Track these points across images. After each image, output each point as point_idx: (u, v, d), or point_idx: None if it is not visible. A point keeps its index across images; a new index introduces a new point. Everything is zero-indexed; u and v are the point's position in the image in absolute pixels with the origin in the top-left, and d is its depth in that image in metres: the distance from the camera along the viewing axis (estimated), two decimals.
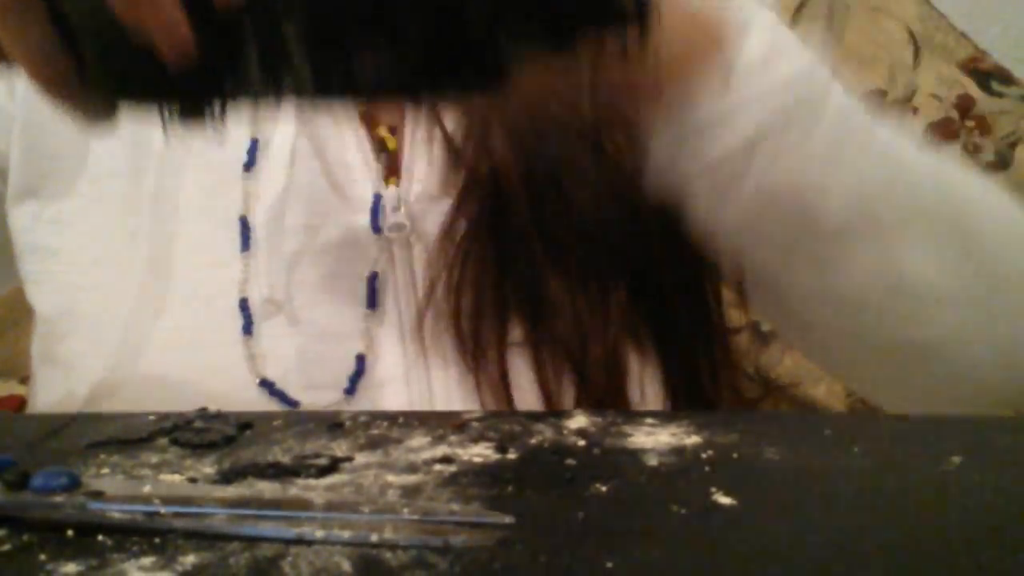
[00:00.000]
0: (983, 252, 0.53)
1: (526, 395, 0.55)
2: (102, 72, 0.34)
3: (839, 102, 0.50)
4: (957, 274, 0.52)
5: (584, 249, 0.57)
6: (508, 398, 0.55)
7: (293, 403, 0.55)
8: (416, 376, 0.56)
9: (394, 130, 0.62)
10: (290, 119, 0.60)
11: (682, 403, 0.59)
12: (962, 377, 0.54)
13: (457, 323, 0.56)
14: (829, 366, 0.63)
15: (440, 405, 0.55)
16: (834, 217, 0.50)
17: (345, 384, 0.56)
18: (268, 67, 0.34)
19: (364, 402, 0.55)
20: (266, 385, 0.55)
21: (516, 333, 0.56)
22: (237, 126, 0.61)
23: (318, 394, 0.55)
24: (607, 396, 0.56)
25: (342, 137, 0.61)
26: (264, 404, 0.55)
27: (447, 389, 0.56)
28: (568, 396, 0.55)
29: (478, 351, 0.55)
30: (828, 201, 0.49)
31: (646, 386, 0.58)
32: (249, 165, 0.59)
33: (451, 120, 0.61)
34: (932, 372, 0.55)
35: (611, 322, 0.57)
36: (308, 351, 0.56)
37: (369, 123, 0.62)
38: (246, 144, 0.60)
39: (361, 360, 0.56)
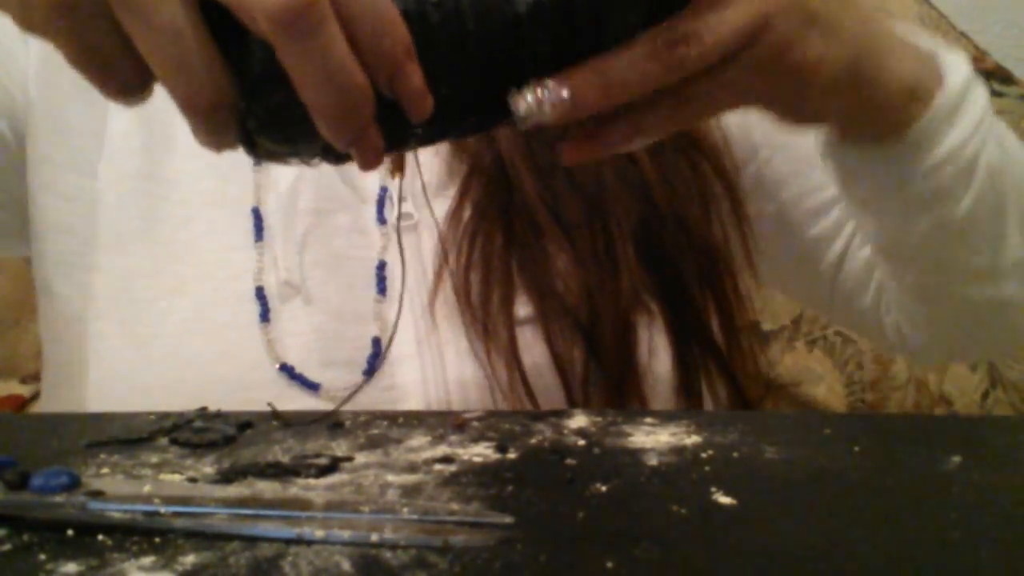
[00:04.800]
0: None
1: (538, 366, 0.56)
2: (267, 125, 0.35)
3: (988, 104, 0.53)
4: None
5: (592, 222, 0.58)
6: (519, 368, 0.55)
7: (313, 385, 0.55)
8: (429, 353, 0.57)
9: None
10: None
11: (693, 364, 0.59)
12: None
13: (467, 298, 0.57)
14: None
15: (453, 379, 0.56)
16: (964, 209, 0.52)
17: (363, 366, 0.56)
18: (434, 131, 0.36)
19: (381, 381, 0.56)
20: (286, 369, 0.56)
21: (526, 308, 0.57)
22: None
23: (336, 372, 0.56)
24: (618, 363, 0.57)
25: None
26: (283, 388, 0.55)
27: (459, 363, 0.57)
28: (579, 365, 0.56)
29: (488, 323, 0.56)
30: (1015, 179, 0.53)
31: (656, 349, 0.58)
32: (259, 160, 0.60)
33: None
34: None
35: (622, 292, 0.57)
36: (324, 329, 0.57)
37: None
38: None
39: (377, 343, 0.57)
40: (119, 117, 0.62)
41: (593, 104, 0.36)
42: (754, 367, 0.63)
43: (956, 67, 0.50)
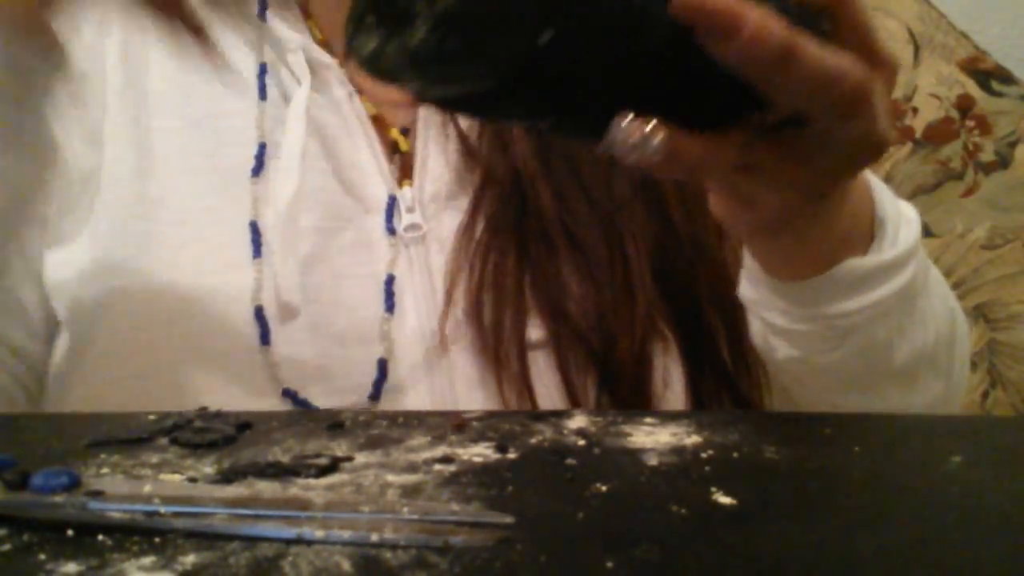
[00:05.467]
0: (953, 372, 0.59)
1: (549, 393, 0.55)
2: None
3: (923, 255, 0.53)
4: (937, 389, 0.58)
5: (608, 242, 0.57)
6: (530, 396, 0.54)
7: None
8: (438, 377, 0.56)
9: (406, 131, 0.61)
10: (300, 121, 0.59)
11: (707, 394, 0.59)
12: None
13: (478, 322, 0.55)
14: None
15: (463, 405, 0.55)
16: (898, 364, 0.53)
17: (369, 390, 0.55)
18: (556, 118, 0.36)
19: (387, 407, 0.55)
20: (289, 395, 0.54)
21: (539, 332, 0.56)
22: (242, 128, 0.61)
23: (342, 400, 0.55)
24: (631, 395, 0.55)
25: (353, 139, 0.60)
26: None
27: (469, 390, 0.55)
28: (591, 394, 0.55)
29: (499, 349, 0.55)
30: (902, 352, 0.53)
31: (670, 380, 0.57)
32: (257, 170, 0.59)
33: (464, 120, 0.60)
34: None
35: (637, 319, 0.56)
36: (329, 356, 0.56)
37: (381, 125, 0.62)
38: (253, 149, 0.59)
39: (383, 365, 0.55)
40: (112, 144, 0.61)
41: (681, 168, 0.36)
42: (759, 388, 0.62)
43: (890, 244, 0.49)
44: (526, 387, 0.54)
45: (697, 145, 0.35)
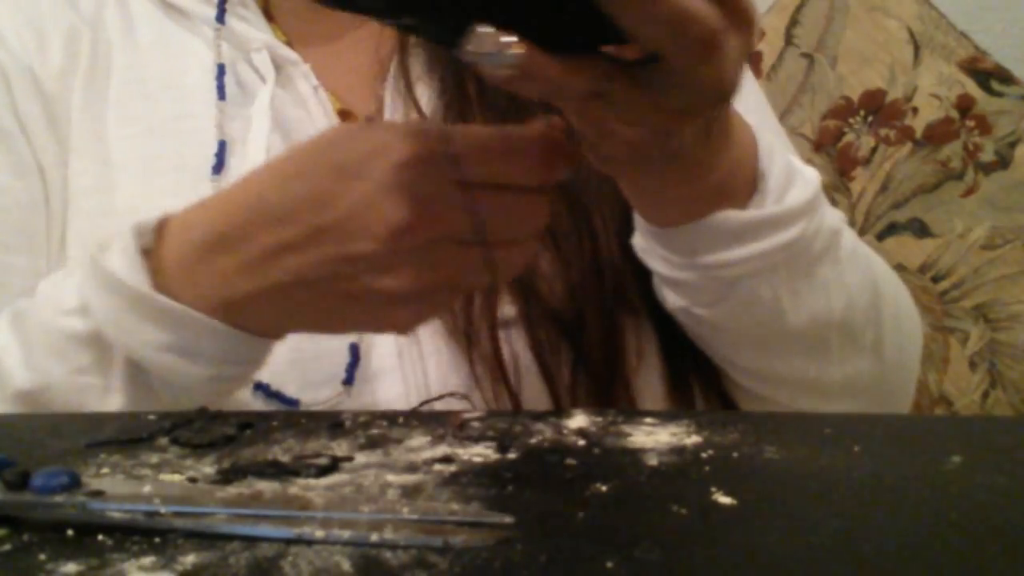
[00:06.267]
0: (886, 351, 0.58)
1: (522, 371, 0.55)
2: None
3: (829, 224, 0.53)
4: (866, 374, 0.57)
5: (576, 220, 0.57)
6: (503, 375, 0.54)
7: (292, 402, 0.54)
8: (411, 361, 0.56)
9: (371, 120, 0.62)
10: (263, 117, 0.60)
11: (682, 366, 0.59)
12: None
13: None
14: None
15: (436, 389, 0.55)
16: (795, 327, 0.52)
17: (342, 376, 0.55)
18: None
19: (362, 392, 0.55)
20: (262, 388, 0.55)
21: (509, 311, 0.56)
22: (203, 128, 0.61)
23: (316, 391, 0.55)
24: (604, 367, 0.56)
25: (317, 130, 0.60)
26: (260, 406, 0.54)
27: (442, 373, 0.55)
28: (565, 369, 0.55)
29: (470, 330, 0.55)
30: (798, 315, 0.52)
31: (644, 353, 0.58)
32: (218, 168, 0.59)
33: (428, 104, 0.60)
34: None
35: (606, 292, 0.56)
36: (301, 349, 0.56)
37: (346, 119, 0.62)
38: (213, 147, 0.60)
39: (355, 349, 0.56)
40: (77, 160, 0.62)
41: (534, 87, 0.36)
42: None
43: (774, 200, 0.50)
44: (498, 366, 0.54)
45: (554, 67, 0.35)
